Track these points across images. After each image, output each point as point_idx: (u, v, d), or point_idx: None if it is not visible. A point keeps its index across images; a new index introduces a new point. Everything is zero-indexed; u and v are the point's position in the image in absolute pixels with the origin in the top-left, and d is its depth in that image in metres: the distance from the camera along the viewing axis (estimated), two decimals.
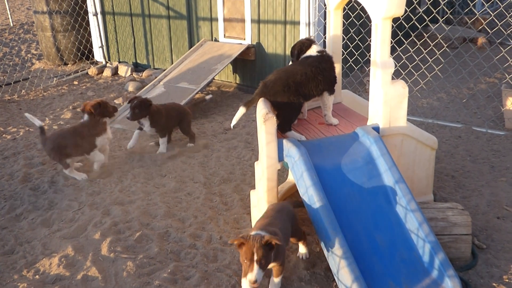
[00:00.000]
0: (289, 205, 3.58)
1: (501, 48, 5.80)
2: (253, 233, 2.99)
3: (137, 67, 8.85)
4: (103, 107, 4.93)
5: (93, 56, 9.38)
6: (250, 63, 7.50)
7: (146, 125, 5.45)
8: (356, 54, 6.71)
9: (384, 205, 3.46)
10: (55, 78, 8.37)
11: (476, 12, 8.76)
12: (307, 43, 4.11)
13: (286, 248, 3.31)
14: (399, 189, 3.41)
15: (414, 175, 4.03)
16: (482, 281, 3.38)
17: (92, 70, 8.75)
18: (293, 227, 3.41)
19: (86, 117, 4.91)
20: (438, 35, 8.58)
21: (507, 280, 3.39)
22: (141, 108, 5.28)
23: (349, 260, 3.05)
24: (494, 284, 3.36)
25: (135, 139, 5.53)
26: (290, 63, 4.23)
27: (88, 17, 9.10)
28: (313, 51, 4.04)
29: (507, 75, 6.08)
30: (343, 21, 4.46)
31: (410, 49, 6.35)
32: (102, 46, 9.07)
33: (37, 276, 3.54)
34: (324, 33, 6.58)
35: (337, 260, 3.10)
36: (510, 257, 3.62)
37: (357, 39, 6.74)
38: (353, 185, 3.50)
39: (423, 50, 6.19)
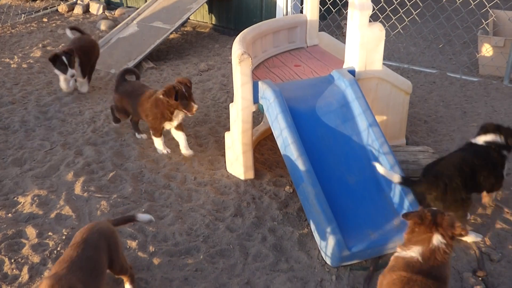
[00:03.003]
0: (107, 226, 2.81)
1: None
2: None
3: (110, 5, 8.55)
4: None
5: None
6: (226, 3, 7.31)
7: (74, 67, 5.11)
8: None
9: (357, 147, 3.50)
10: (23, 15, 8.05)
11: None
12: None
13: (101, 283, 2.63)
14: (373, 132, 3.44)
15: (388, 119, 4.07)
16: None
17: (62, 7, 8.42)
18: (111, 256, 2.72)
19: None
20: None
21: (472, 221, 3.50)
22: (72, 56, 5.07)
23: (321, 200, 3.11)
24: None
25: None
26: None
27: None
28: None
29: (484, 21, 6.08)
30: None
31: None
32: None
33: (9, 215, 3.52)
34: None
35: (309, 200, 3.15)
36: (476, 198, 3.72)
37: None
38: (327, 127, 3.52)
39: None
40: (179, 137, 4.23)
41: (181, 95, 3.98)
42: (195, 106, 4.01)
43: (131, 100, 4.32)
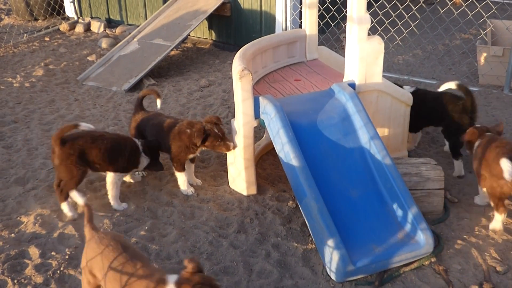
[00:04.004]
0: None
1: (477, 4, 5.79)
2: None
3: (110, 23, 8.61)
4: None
5: (64, 11, 9.08)
6: (225, 19, 7.36)
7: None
8: (333, 9, 6.63)
9: (359, 161, 3.49)
10: (25, 34, 8.11)
11: None
12: None
13: None
14: (374, 145, 3.44)
15: (389, 131, 4.07)
16: (454, 234, 3.48)
17: (64, 26, 8.49)
18: None
19: None
20: None
21: (477, 233, 3.49)
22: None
23: (324, 215, 3.10)
24: (465, 236, 3.46)
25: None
26: None
27: None
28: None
29: (482, 31, 6.10)
30: None
31: (387, 4, 6.29)
32: (73, 1, 8.76)
33: (12, 235, 3.52)
34: None
35: (312, 215, 3.14)
36: (480, 210, 3.72)
37: None
38: (329, 141, 3.52)
39: (400, 6, 6.14)
40: (188, 167, 4.07)
41: (215, 136, 3.79)
42: (231, 145, 3.81)
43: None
